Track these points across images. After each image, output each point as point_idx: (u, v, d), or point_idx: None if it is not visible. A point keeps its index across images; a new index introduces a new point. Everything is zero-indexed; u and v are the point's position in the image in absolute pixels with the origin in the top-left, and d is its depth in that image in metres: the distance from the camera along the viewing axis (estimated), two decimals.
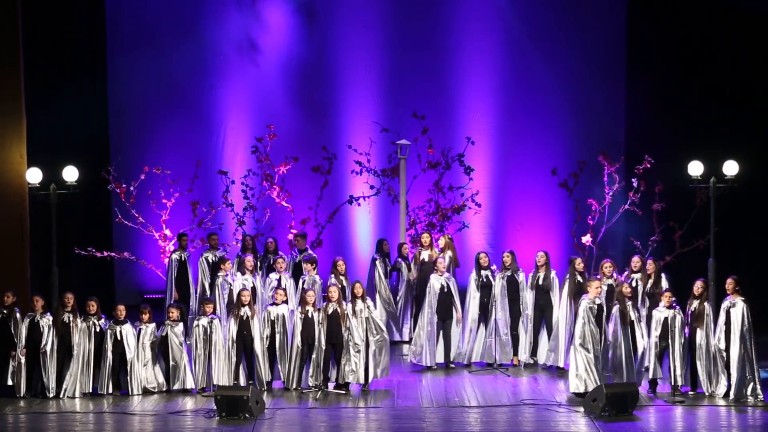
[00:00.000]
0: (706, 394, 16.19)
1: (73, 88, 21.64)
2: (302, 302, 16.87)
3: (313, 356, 16.64)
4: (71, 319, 16.74)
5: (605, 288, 16.96)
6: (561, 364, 17.47)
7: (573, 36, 22.90)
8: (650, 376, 16.33)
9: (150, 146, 22.95)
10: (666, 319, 16.22)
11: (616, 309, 16.36)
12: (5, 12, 19.49)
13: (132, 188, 21.35)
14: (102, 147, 22.54)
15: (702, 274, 18.45)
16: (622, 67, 22.71)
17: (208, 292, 19.05)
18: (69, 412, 15.85)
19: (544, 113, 23.01)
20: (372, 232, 22.84)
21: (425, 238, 19.53)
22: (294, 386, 16.71)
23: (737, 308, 16.07)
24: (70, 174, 19.56)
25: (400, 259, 19.80)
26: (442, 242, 19.61)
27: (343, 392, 16.57)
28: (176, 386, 16.79)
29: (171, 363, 16.79)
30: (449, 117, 23.00)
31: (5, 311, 16.77)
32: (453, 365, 18.13)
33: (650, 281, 17.36)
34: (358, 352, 16.57)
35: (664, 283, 17.29)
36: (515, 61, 23.06)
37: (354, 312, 16.71)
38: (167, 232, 21.41)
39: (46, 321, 16.71)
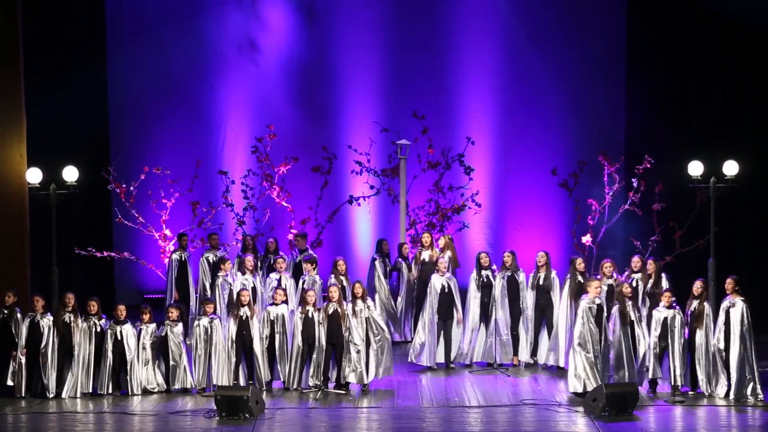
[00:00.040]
0: (705, 394, 16.20)
1: (73, 88, 21.63)
2: (302, 302, 16.87)
3: (314, 356, 16.64)
4: (72, 319, 16.74)
5: (605, 288, 16.97)
6: (561, 364, 17.46)
7: (573, 36, 22.91)
8: (650, 376, 16.34)
9: (150, 146, 22.95)
10: (666, 319, 16.21)
11: (615, 309, 16.36)
12: (5, 12, 19.50)
13: (132, 188, 21.36)
14: (102, 147, 22.54)
15: (702, 274, 18.44)
16: (622, 67, 22.72)
17: (208, 292, 19.05)
18: (69, 412, 15.84)
19: (544, 113, 23.02)
20: (372, 232, 22.84)
21: (426, 238, 19.53)
22: (294, 386, 16.71)
23: (737, 308, 16.07)
24: (70, 174, 19.55)
25: (400, 259, 19.80)
26: (441, 242, 19.61)
27: (343, 392, 16.57)
28: (176, 386, 16.80)
29: (171, 363, 16.80)
30: (449, 117, 23.01)
31: (6, 311, 16.78)
32: (453, 365, 18.13)
33: (651, 281, 17.36)
34: (358, 352, 16.57)
35: (665, 283, 17.28)
36: (515, 61, 23.06)
37: (354, 312, 16.71)
38: (167, 232, 21.42)
39: (46, 321, 16.71)
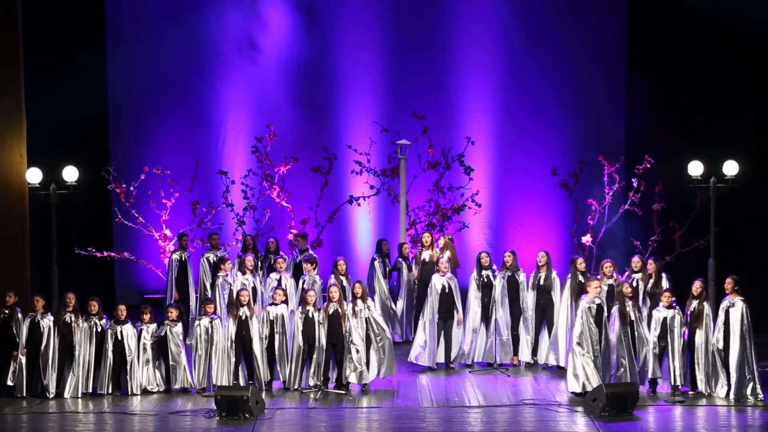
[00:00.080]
0: (705, 394, 16.20)
1: (73, 88, 21.62)
2: (303, 302, 16.87)
3: (314, 356, 16.64)
4: (73, 319, 16.73)
5: (605, 288, 16.98)
6: (562, 364, 17.46)
7: (573, 36, 22.91)
8: (650, 376, 16.34)
9: (150, 146, 22.96)
10: (665, 319, 16.22)
11: (615, 309, 16.36)
12: (5, 12, 19.50)
13: (132, 188, 21.36)
14: (102, 147, 22.55)
15: (702, 274, 18.44)
16: (622, 67, 22.72)
17: (209, 292, 19.06)
18: (69, 412, 15.84)
19: (544, 113, 23.02)
20: (372, 232, 22.84)
21: (426, 238, 19.52)
22: (295, 386, 16.71)
23: (736, 308, 16.07)
24: (70, 174, 19.55)
25: (400, 259, 19.80)
26: (441, 242, 19.61)
27: (343, 392, 16.57)
28: (176, 386, 16.80)
29: (171, 363, 16.80)
30: (449, 117, 23.01)
31: (7, 311, 16.78)
32: (453, 365, 18.13)
33: (651, 281, 17.36)
34: (358, 352, 16.57)
35: (665, 283, 17.28)
36: (515, 61, 23.06)
37: (354, 312, 16.72)
38: (167, 232, 21.42)
39: (46, 321, 16.71)
